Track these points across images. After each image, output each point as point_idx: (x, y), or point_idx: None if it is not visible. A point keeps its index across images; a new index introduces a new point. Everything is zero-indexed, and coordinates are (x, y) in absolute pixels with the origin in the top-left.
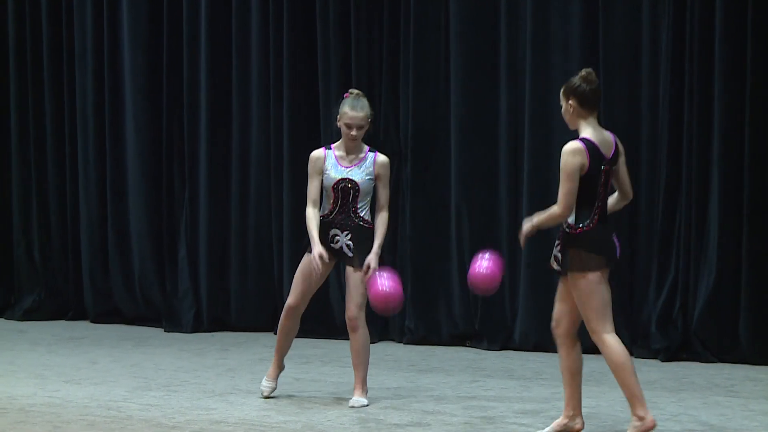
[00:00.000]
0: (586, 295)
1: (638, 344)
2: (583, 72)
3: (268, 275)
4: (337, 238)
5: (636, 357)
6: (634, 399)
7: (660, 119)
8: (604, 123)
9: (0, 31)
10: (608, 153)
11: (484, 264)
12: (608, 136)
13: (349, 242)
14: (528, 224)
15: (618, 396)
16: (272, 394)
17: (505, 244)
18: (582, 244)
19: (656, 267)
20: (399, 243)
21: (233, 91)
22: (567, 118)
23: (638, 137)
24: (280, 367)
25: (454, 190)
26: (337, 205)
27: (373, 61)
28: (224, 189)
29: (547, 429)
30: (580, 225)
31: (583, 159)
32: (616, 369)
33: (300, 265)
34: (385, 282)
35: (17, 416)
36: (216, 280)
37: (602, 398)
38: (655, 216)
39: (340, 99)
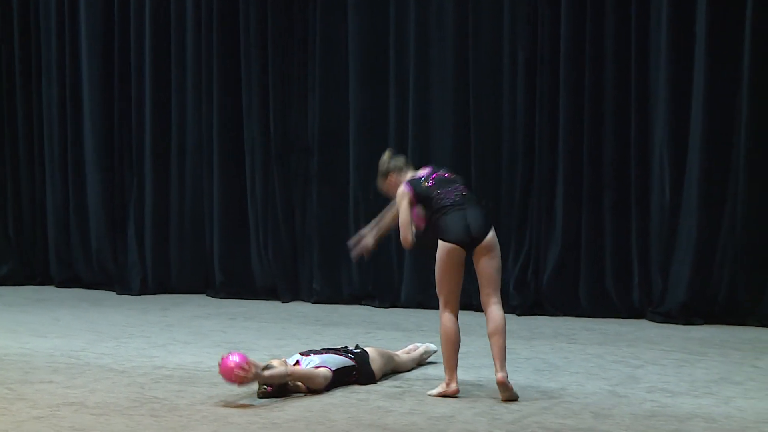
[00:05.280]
0: (436, 273)
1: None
2: (384, 156)
3: (202, 248)
4: None
5: None
6: (446, 368)
7: (517, 126)
8: (473, 128)
9: None
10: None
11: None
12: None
13: None
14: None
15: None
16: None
17: None
18: (433, 228)
19: (514, 241)
20: (308, 221)
21: (172, 95)
22: (390, 191)
23: (500, 142)
24: None
25: (352, 178)
26: None
27: (286, 72)
28: (165, 177)
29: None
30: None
31: (408, 195)
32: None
33: None
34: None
35: None
36: (159, 251)
37: (471, 345)
38: (513, 202)
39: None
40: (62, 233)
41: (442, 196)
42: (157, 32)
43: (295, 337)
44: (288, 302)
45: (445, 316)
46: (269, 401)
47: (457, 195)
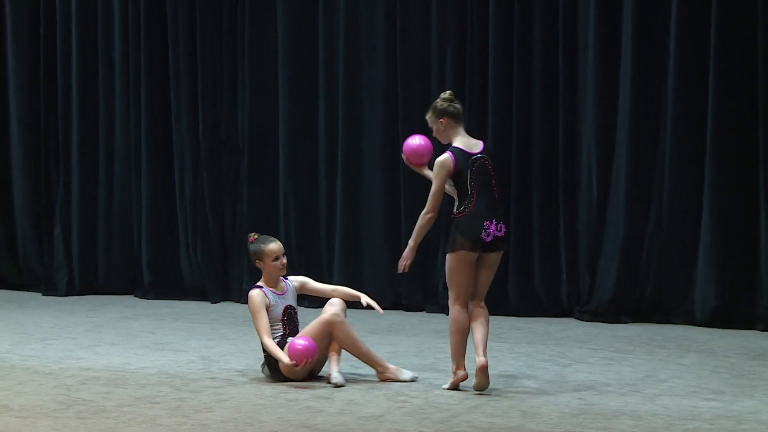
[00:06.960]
0: (447, 269)
1: (429, 301)
2: (446, 94)
3: (129, 248)
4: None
5: (427, 311)
6: (455, 357)
7: None
8: (402, 128)
9: None
10: (475, 152)
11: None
12: (475, 142)
13: None
14: (408, 250)
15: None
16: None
17: (323, 225)
18: (455, 227)
19: (443, 240)
20: (237, 222)
21: (99, 95)
22: (439, 136)
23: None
24: None
25: (282, 179)
26: None
27: (215, 73)
28: (92, 177)
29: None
30: (457, 211)
31: (449, 166)
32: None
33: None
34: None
35: None
36: (86, 252)
37: (400, 345)
38: (445, 198)
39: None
40: None
41: (476, 190)
42: (83, 33)
43: (224, 338)
44: (217, 303)
45: (456, 309)
46: (198, 402)
47: (489, 198)
